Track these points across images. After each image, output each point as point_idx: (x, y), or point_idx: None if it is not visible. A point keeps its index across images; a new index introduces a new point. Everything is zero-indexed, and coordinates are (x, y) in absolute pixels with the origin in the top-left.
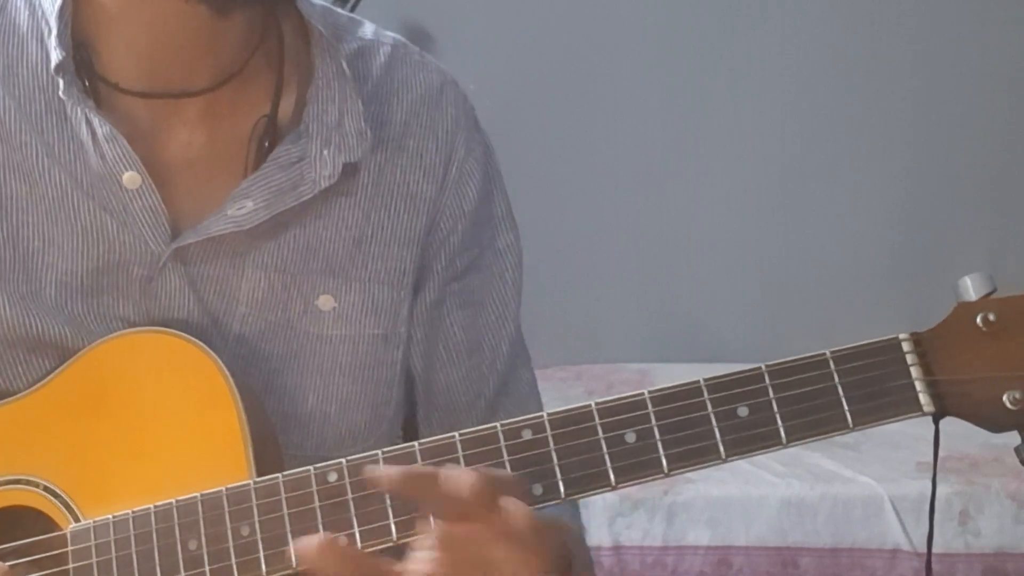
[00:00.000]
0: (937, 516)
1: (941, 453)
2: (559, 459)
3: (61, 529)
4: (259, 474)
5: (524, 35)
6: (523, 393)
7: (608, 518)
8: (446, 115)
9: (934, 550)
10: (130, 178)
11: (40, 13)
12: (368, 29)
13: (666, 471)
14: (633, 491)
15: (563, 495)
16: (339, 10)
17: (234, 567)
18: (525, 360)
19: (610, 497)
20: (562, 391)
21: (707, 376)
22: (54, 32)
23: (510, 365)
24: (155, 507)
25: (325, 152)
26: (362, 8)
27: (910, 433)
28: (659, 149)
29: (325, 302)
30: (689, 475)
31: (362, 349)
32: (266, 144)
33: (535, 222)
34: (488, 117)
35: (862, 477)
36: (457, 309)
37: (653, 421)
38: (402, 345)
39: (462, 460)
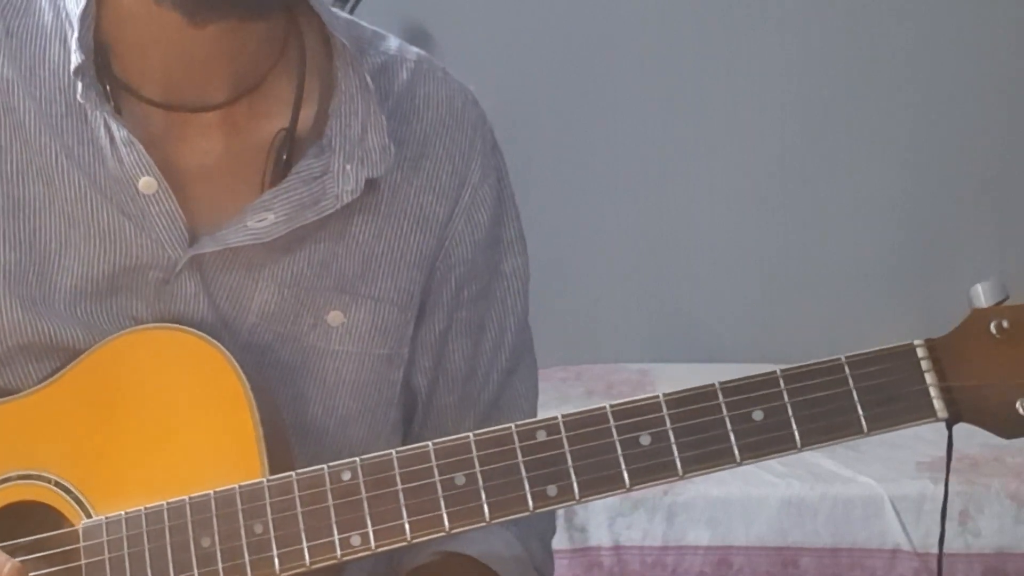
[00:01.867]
0: (938, 516)
1: (941, 453)
2: (573, 460)
3: (73, 525)
4: (272, 472)
5: (524, 35)
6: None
7: (608, 518)
8: (464, 136)
9: (934, 550)
10: (146, 183)
11: (64, 15)
12: (392, 44)
13: (680, 474)
14: (633, 491)
15: (577, 496)
16: (363, 23)
17: (247, 565)
18: (526, 387)
19: (610, 497)
20: (562, 391)
21: (722, 379)
22: (76, 34)
23: (498, 394)
24: (168, 504)
25: (348, 167)
26: (362, 8)
27: (910, 433)
28: (659, 149)
29: (334, 318)
30: None
31: (367, 367)
32: (284, 157)
33: (535, 222)
34: (488, 117)
35: (862, 477)
36: (461, 337)
37: (668, 424)
38: (403, 366)
39: (476, 460)
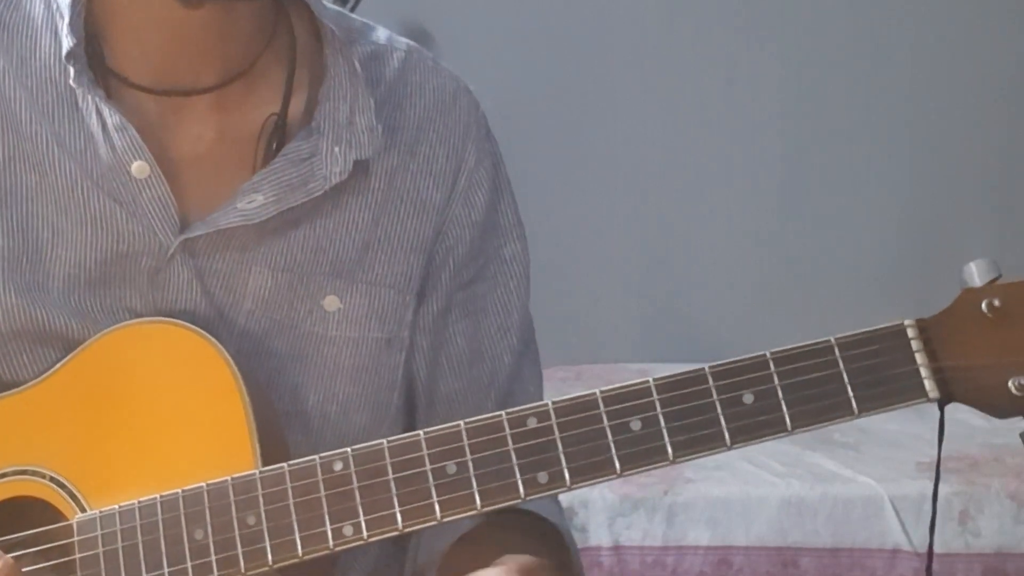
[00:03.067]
0: (937, 516)
1: (941, 453)
2: (564, 447)
3: (67, 520)
4: (265, 464)
5: (524, 35)
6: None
7: (608, 518)
8: (458, 122)
9: (934, 550)
10: (139, 168)
11: (55, 6)
12: (382, 34)
13: (671, 458)
14: (633, 491)
15: (568, 483)
16: (352, 15)
17: (240, 557)
18: (532, 372)
19: (610, 497)
20: (562, 391)
21: (712, 363)
22: (66, 20)
23: (513, 377)
24: (161, 497)
25: (336, 149)
26: (362, 8)
27: (910, 433)
28: (659, 149)
29: (331, 303)
30: (689, 474)
31: (365, 352)
32: (274, 143)
33: (535, 222)
34: (488, 117)
35: (862, 477)
36: (461, 319)
37: (658, 408)
38: (404, 350)
39: (467, 448)
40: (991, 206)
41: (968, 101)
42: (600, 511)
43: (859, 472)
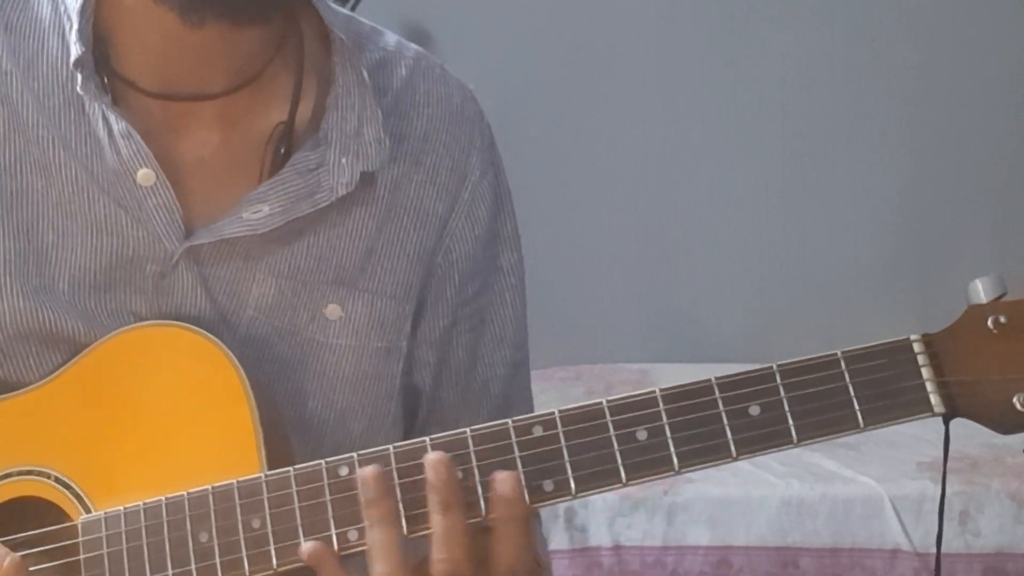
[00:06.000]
0: (937, 516)
1: (941, 453)
2: (570, 456)
3: (72, 520)
4: (270, 467)
5: (524, 35)
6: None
7: (608, 518)
8: (463, 133)
9: (933, 550)
10: (144, 175)
11: (63, 8)
12: (390, 40)
13: (677, 469)
14: (633, 491)
15: (574, 492)
16: (362, 19)
17: (244, 560)
18: (524, 382)
19: (610, 497)
20: (562, 391)
21: (718, 375)
22: (75, 27)
23: (506, 387)
24: (166, 499)
25: (343, 160)
26: (362, 8)
27: (910, 433)
28: (659, 149)
29: (332, 311)
30: (689, 474)
31: (365, 360)
32: (282, 151)
33: (535, 222)
34: (488, 117)
35: (862, 477)
36: (464, 332)
37: (664, 419)
38: (402, 359)
39: (473, 455)
40: (989, 208)
41: (969, 101)
42: (600, 511)
43: (859, 472)
